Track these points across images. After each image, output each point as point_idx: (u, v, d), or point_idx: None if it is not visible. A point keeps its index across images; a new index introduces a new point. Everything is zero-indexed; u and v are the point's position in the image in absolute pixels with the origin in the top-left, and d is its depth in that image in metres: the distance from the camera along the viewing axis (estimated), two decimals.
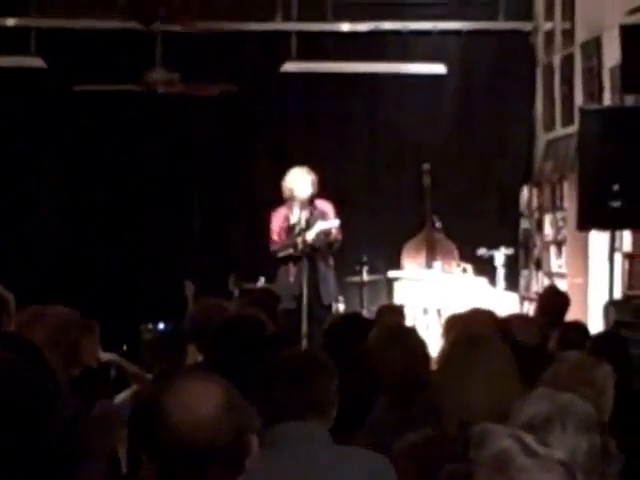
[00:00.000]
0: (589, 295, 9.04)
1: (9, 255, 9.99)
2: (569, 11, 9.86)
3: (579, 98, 9.46)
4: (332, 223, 8.60)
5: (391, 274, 9.92)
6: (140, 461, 3.77)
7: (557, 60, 10.19)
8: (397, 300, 9.34)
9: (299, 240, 8.46)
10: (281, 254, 8.65)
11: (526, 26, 10.79)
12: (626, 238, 8.33)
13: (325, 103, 10.76)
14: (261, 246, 9.00)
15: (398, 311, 6.40)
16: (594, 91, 9.06)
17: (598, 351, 4.29)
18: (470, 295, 8.84)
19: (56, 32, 10.41)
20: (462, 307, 6.21)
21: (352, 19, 10.63)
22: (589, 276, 9.10)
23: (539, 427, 2.06)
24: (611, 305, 7.04)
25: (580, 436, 2.08)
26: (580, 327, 5.72)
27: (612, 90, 8.69)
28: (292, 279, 8.54)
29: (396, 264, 10.12)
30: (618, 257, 8.21)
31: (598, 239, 8.75)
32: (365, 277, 9.37)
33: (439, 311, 8.87)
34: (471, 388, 3.20)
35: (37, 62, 10.17)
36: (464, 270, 9.61)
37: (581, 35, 9.51)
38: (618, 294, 8.02)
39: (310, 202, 8.62)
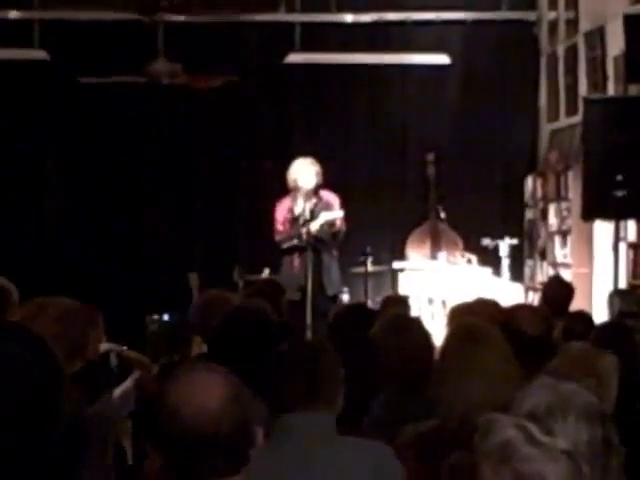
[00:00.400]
0: (594, 285, 9.03)
1: (12, 247, 9.99)
2: (573, 1, 9.85)
3: (583, 88, 9.45)
4: (336, 214, 8.58)
5: (396, 265, 9.92)
6: (145, 452, 3.78)
7: (561, 50, 10.18)
8: (402, 291, 9.33)
9: (303, 231, 8.45)
10: (285, 245, 8.64)
11: (530, 16, 10.77)
12: (631, 228, 8.33)
13: (329, 94, 10.76)
14: (265, 237, 9.00)
15: (403, 302, 6.39)
16: (598, 81, 9.05)
17: (603, 341, 4.28)
18: (475, 285, 8.83)
19: (59, 24, 10.40)
20: (467, 297, 6.19)
21: (355, 10, 10.62)
22: (594, 266, 9.10)
23: (541, 417, 2.06)
24: (616, 295, 7.01)
25: (581, 426, 2.07)
26: (585, 317, 5.71)
27: (616, 80, 8.68)
28: (296, 270, 8.54)
29: (400, 255, 10.13)
30: (623, 247, 8.22)
31: (603, 229, 8.75)
32: (370, 268, 9.34)
33: (444, 302, 8.86)
34: (470, 382, 3.19)
35: (40, 54, 10.16)
36: (469, 260, 9.61)
37: (585, 25, 9.50)
38: (623, 284, 8.02)
39: (315, 193, 8.60)
